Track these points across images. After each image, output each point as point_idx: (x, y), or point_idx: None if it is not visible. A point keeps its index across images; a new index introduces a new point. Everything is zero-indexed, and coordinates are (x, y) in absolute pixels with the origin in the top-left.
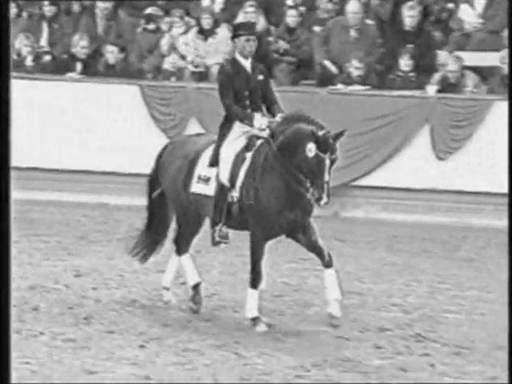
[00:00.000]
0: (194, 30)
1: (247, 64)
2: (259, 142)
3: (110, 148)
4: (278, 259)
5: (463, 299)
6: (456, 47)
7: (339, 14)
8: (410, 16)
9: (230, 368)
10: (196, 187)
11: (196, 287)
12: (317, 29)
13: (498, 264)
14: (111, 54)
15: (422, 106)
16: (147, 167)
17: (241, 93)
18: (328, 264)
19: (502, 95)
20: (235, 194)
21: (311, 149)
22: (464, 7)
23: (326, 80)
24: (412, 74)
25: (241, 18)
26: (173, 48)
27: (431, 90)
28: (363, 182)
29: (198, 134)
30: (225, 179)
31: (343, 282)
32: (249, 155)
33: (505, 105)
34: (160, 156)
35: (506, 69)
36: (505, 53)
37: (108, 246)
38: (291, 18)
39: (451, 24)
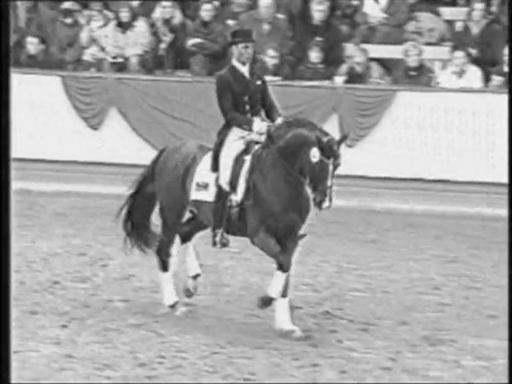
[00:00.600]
0: (113, 23)
1: (245, 70)
2: (257, 146)
3: (32, 135)
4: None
5: (369, 278)
6: (362, 40)
7: (252, 9)
8: (318, 11)
9: (149, 346)
10: (196, 195)
11: (172, 306)
12: (231, 22)
13: (400, 245)
14: (32, 45)
15: (331, 95)
16: (69, 154)
17: (240, 98)
18: (284, 295)
19: (405, 86)
20: (235, 198)
21: (315, 154)
22: (368, 2)
23: None
24: (321, 66)
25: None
26: (92, 40)
27: (339, 80)
28: None
29: (193, 142)
30: (224, 183)
31: (258, 262)
32: (248, 158)
33: (407, 95)
34: (155, 162)
35: (408, 61)
36: (407, 46)
37: (32, 230)
38: (206, 12)
39: (357, 18)
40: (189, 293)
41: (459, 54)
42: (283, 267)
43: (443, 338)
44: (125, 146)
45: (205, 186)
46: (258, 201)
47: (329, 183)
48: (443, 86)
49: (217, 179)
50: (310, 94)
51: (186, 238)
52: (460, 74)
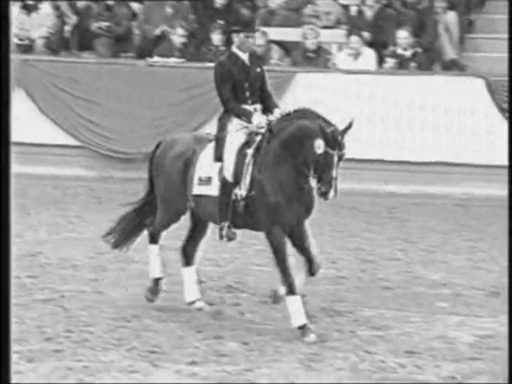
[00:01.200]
0: (18, 5)
1: (245, 57)
2: (258, 138)
3: None
4: (103, 219)
5: (269, 253)
6: (262, 23)
7: None
8: None
9: (56, 321)
10: (198, 189)
11: (157, 281)
12: (135, 6)
13: None
14: None
15: None
16: None
17: (241, 85)
18: (314, 272)
19: (303, 67)
20: (240, 192)
21: (320, 145)
22: None
23: (144, 53)
24: (223, 48)
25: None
26: None
27: None
28: None
29: (189, 134)
30: (228, 175)
31: (166, 240)
32: (250, 151)
33: (306, 76)
34: (152, 155)
35: (306, 43)
36: (305, 29)
37: None
38: None
39: (257, 2)
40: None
41: (355, 37)
42: (291, 290)
43: (340, 309)
44: (31, 126)
45: (207, 180)
46: (265, 196)
47: (334, 174)
48: (340, 68)
49: (220, 171)
50: (212, 75)
51: (190, 259)
52: (355, 56)
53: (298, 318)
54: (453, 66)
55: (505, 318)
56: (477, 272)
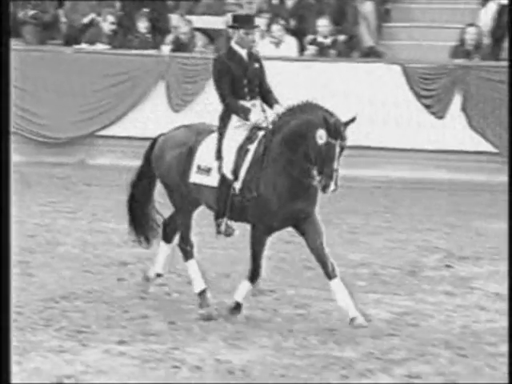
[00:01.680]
0: None
1: (244, 53)
2: (261, 133)
3: None
4: (30, 202)
5: (197, 235)
6: (186, 11)
7: None
8: None
9: None
10: (196, 177)
11: (202, 293)
12: None
13: None
14: None
15: (158, 63)
16: None
17: (239, 81)
18: (331, 275)
19: None
20: (237, 186)
21: (322, 135)
22: None
23: (71, 40)
24: (148, 36)
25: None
26: None
27: (165, 49)
28: (107, 132)
29: (191, 125)
30: (228, 171)
31: (91, 223)
32: (252, 147)
33: None
34: (150, 148)
35: (229, 31)
36: (228, 17)
37: None
38: None
39: None
40: (145, 286)
41: (276, 25)
42: (252, 279)
43: (263, 288)
44: None
45: (207, 170)
46: (260, 193)
47: (335, 165)
48: (263, 55)
49: (220, 167)
50: (138, 62)
51: (170, 238)
52: (277, 43)
53: (238, 296)
54: (371, 54)
55: (421, 296)
56: (395, 252)
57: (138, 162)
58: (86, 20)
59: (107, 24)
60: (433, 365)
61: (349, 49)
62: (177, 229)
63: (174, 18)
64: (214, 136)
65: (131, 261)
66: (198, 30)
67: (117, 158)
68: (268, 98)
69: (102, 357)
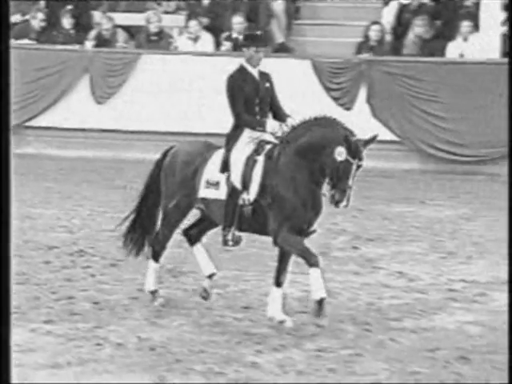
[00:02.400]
0: None
1: (255, 72)
2: (268, 146)
3: None
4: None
5: (118, 220)
6: (108, 9)
7: None
8: None
9: None
10: (205, 192)
11: (153, 293)
12: None
13: None
14: None
15: (82, 58)
16: None
17: (251, 100)
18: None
19: (147, 49)
20: (247, 197)
21: (341, 153)
22: None
23: None
24: (72, 31)
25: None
26: None
27: (89, 44)
28: (34, 122)
29: (199, 141)
30: (237, 182)
31: (19, 209)
32: (260, 158)
33: (150, 57)
34: (161, 161)
35: (150, 27)
36: (148, 14)
37: None
38: None
39: None
40: (205, 293)
41: (194, 22)
42: (315, 263)
43: (184, 270)
44: None
45: (215, 184)
46: (278, 200)
47: (350, 183)
48: (181, 50)
49: (228, 178)
50: (63, 57)
51: (195, 240)
52: (195, 39)
53: (320, 291)
54: (282, 49)
55: (330, 275)
56: None
57: (62, 152)
58: (13, 19)
59: (37, 21)
60: (340, 339)
61: None
62: (201, 232)
63: (97, 15)
64: (221, 151)
65: (57, 245)
66: (120, 26)
67: (43, 148)
68: (279, 115)
69: (30, 336)
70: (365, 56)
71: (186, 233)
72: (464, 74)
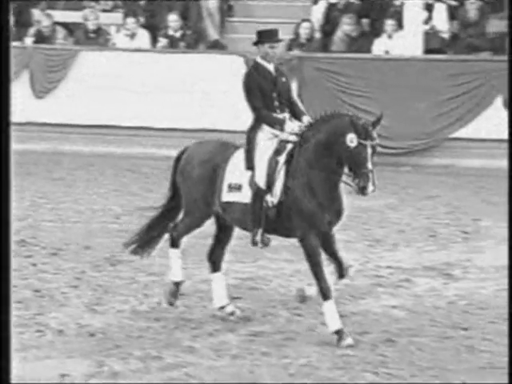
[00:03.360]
0: None
1: (271, 67)
2: (289, 145)
3: None
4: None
5: (59, 210)
6: (47, 6)
7: None
8: None
9: None
10: (228, 196)
11: (177, 285)
12: None
13: (85, 182)
14: None
15: (22, 54)
16: None
17: (269, 96)
18: (344, 275)
19: (85, 46)
20: (271, 199)
21: (352, 138)
22: None
23: None
24: (13, 29)
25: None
26: None
27: (28, 41)
28: None
29: (216, 140)
30: (261, 183)
31: None
32: (281, 159)
33: (88, 54)
34: (177, 160)
35: (88, 24)
36: (86, 12)
37: None
38: None
39: None
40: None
41: (131, 19)
42: (326, 296)
43: (122, 258)
44: None
45: (238, 188)
46: (299, 202)
47: (370, 166)
48: (118, 47)
49: (252, 178)
50: None
51: (218, 267)
52: (132, 36)
53: (335, 323)
54: (216, 46)
55: (263, 263)
56: None
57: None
58: None
59: None
60: (273, 324)
61: (196, 41)
62: (222, 251)
63: (36, 13)
64: (241, 152)
65: None
66: (59, 23)
67: None
68: (296, 111)
69: None
70: (296, 52)
71: (209, 258)
72: (389, 70)
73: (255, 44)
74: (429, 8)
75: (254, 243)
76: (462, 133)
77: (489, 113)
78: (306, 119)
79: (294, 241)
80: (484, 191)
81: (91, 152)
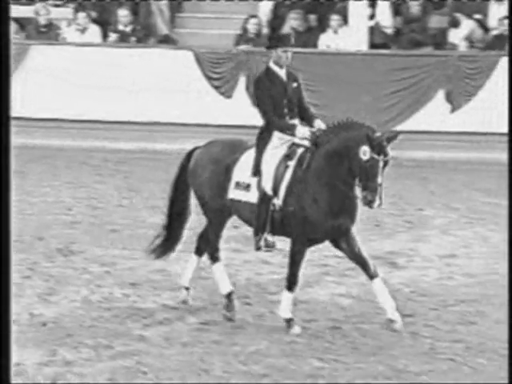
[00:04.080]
0: None
1: (282, 73)
2: (300, 150)
3: None
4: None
5: (12, 202)
6: None
7: None
8: None
9: None
10: (234, 193)
11: (229, 296)
12: None
13: (38, 174)
14: None
15: None
16: None
17: (279, 102)
18: (373, 275)
19: (36, 40)
20: (278, 202)
21: (365, 151)
22: None
23: None
24: None
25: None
26: None
27: None
28: None
29: (228, 140)
30: (268, 188)
31: None
32: (291, 164)
33: (39, 48)
34: (187, 160)
35: (39, 19)
36: (38, 6)
37: None
38: None
39: None
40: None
41: (82, 14)
42: (290, 287)
43: (74, 249)
44: None
45: (246, 187)
46: (301, 208)
47: (379, 180)
48: (69, 41)
49: (259, 183)
50: None
51: (199, 252)
52: (83, 31)
53: (287, 312)
54: (166, 41)
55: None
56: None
57: None
58: None
59: None
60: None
61: (146, 36)
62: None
63: None
64: (252, 152)
65: None
66: (13, 19)
67: None
68: (306, 116)
69: None
70: (244, 47)
71: (199, 239)
72: (335, 64)
73: (268, 48)
74: (373, 4)
75: (258, 248)
76: (406, 125)
77: (431, 106)
78: (318, 123)
79: (242, 231)
80: (427, 182)
81: (42, 144)
